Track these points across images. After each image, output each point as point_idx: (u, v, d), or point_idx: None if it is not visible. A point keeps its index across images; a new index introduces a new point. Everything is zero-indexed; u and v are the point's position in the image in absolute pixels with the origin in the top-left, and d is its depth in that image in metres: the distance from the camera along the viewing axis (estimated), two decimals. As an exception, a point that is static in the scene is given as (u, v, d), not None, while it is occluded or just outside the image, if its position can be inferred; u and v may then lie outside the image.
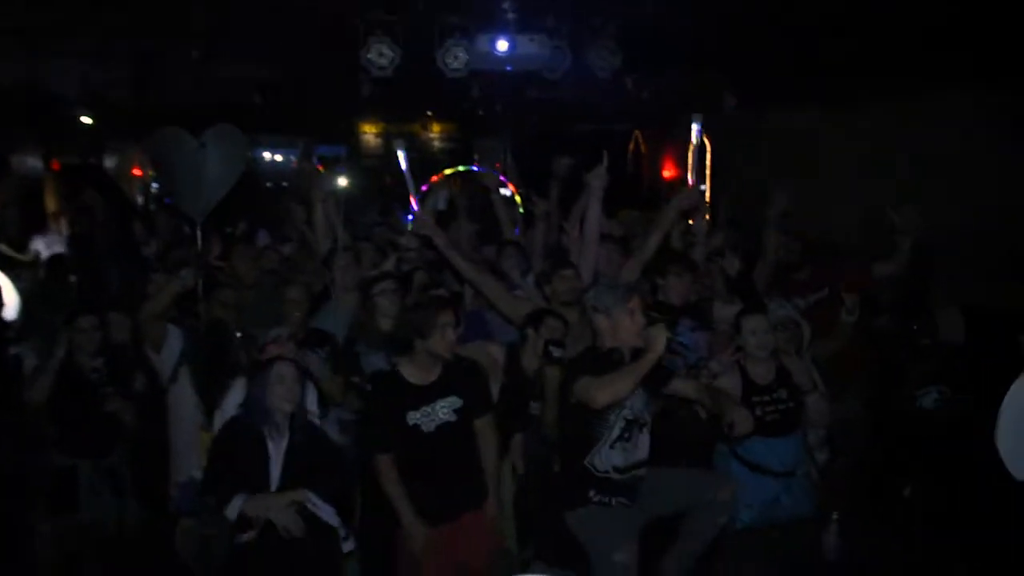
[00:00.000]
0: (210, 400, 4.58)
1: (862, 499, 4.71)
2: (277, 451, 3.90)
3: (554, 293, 4.91)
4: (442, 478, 4.04)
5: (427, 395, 4.03)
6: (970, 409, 4.61)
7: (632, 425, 3.93)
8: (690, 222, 6.02)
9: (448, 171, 6.55)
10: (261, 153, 14.03)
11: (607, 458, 3.92)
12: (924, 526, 4.49)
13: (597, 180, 5.04)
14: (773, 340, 4.49)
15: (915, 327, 4.85)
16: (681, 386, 4.10)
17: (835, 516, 4.31)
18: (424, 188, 6.39)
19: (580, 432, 3.94)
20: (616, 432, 3.90)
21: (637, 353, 3.81)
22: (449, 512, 4.04)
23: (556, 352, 4.35)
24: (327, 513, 3.92)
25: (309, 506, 3.84)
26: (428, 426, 3.99)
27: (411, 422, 3.97)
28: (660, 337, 3.70)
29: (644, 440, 3.99)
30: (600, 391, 3.70)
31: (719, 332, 4.99)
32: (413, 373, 4.06)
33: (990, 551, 4.28)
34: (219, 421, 4.19)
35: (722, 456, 4.53)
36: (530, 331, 4.47)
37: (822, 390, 4.72)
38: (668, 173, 11.84)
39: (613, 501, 3.93)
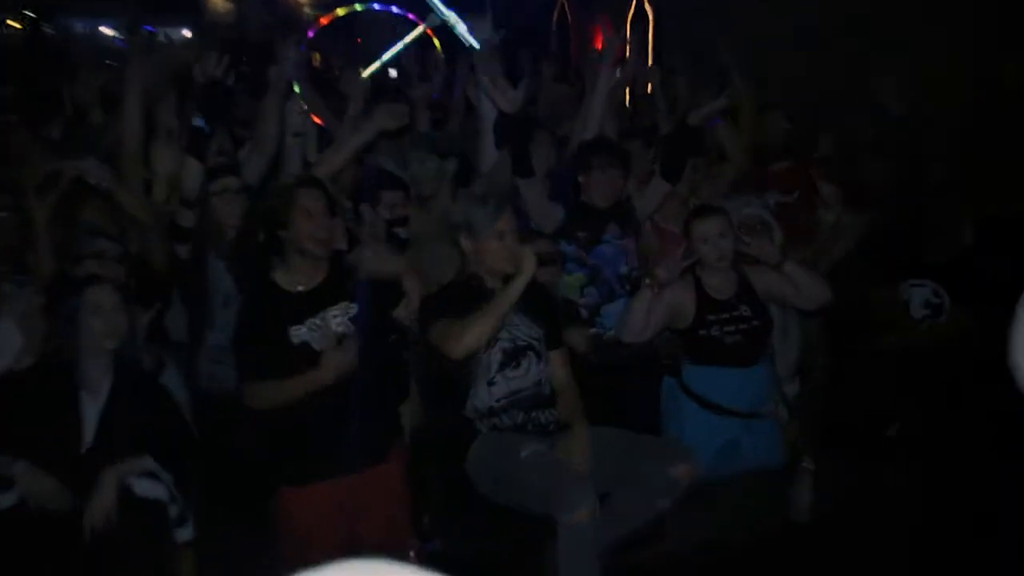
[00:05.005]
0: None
1: (839, 442, 4.00)
2: (93, 404, 3.14)
3: None
4: (342, 412, 3.22)
5: (312, 302, 3.24)
6: (971, 326, 3.95)
7: (516, 353, 3.40)
8: None
9: (341, 10, 5.36)
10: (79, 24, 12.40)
11: (486, 397, 3.38)
12: (915, 476, 3.79)
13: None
14: (731, 246, 3.77)
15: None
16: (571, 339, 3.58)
17: (807, 465, 3.67)
18: (311, 33, 5.29)
19: (447, 376, 3.39)
20: (495, 367, 3.37)
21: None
22: (348, 462, 3.21)
23: (402, 234, 3.72)
24: (152, 487, 3.11)
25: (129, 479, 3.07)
26: (319, 342, 3.20)
27: (296, 339, 3.18)
28: (529, 257, 3.25)
29: (539, 368, 3.45)
30: (455, 341, 3.23)
31: (652, 229, 4.31)
32: (289, 278, 3.26)
33: (998, 507, 3.54)
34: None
35: (669, 392, 3.91)
36: (364, 208, 3.61)
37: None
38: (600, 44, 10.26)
39: (505, 419, 3.39)
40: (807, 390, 4.23)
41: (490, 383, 3.37)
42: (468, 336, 3.19)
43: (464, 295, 3.38)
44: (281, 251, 3.27)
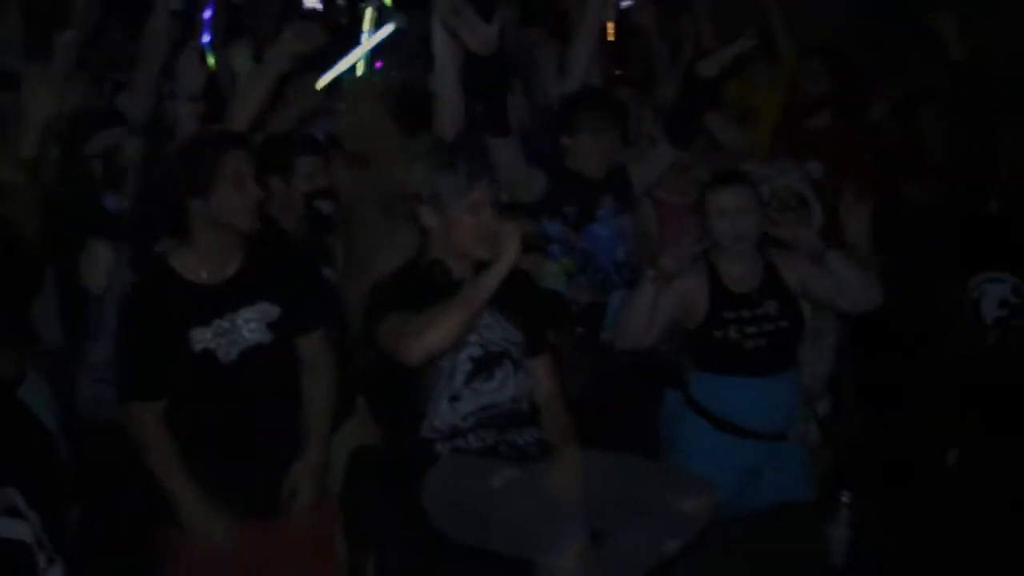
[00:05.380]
0: None
1: (883, 472, 3.37)
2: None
3: None
4: (250, 442, 2.64)
5: (222, 299, 2.61)
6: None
7: (488, 362, 2.79)
8: None
9: None
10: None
11: (449, 415, 2.76)
12: (976, 513, 3.12)
13: None
14: (755, 225, 3.17)
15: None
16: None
17: (844, 499, 2.98)
18: None
19: (400, 391, 2.76)
20: (460, 379, 2.76)
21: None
22: (259, 502, 2.67)
23: (326, 208, 3.21)
24: (13, 527, 2.40)
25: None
26: (227, 352, 2.58)
27: (199, 345, 2.55)
28: (512, 238, 2.61)
29: (516, 380, 2.83)
30: (411, 341, 2.57)
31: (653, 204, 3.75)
32: (191, 266, 2.61)
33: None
34: None
35: (672, 408, 3.34)
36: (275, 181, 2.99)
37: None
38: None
39: (472, 439, 2.79)
40: (843, 408, 3.60)
41: (454, 397, 2.76)
42: (429, 335, 2.55)
43: (424, 285, 2.72)
44: (182, 229, 2.60)
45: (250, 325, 2.62)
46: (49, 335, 3.16)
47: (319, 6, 7.53)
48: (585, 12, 3.82)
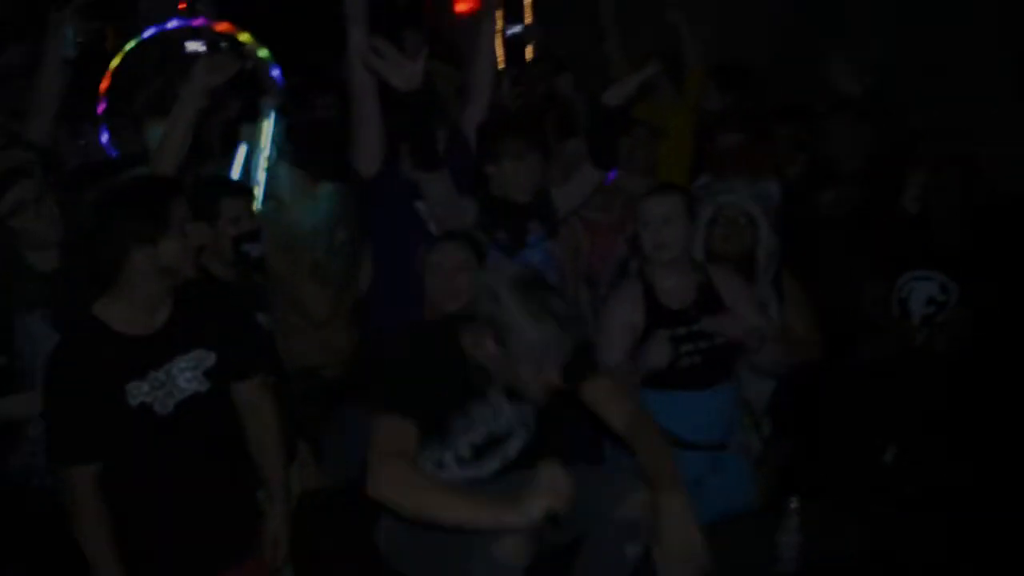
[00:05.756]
0: None
1: (826, 476, 3.35)
2: None
3: None
4: (189, 500, 2.52)
5: (155, 350, 2.48)
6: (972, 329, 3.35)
7: (490, 444, 2.64)
8: None
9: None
10: None
11: (427, 470, 2.56)
12: (917, 509, 3.22)
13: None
14: (679, 237, 3.12)
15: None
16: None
17: (793, 505, 2.98)
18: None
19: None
20: (448, 456, 2.61)
21: None
22: (211, 561, 2.57)
23: (254, 251, 3.09)
24: None
25: None
26: (164, 404, 2.46)
27: (135, 400, 2.42)
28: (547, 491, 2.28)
29: (514, 451, 2.69)
30: (383, 482, 2.33)
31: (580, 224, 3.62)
32: (123, 317, 2.47)
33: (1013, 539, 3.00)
34: None
35: None
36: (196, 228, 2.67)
37: (776, 326, 3.33)
38: (463, 6, 8.65)
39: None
40: (783, 412, 3.56)
41: (439, 463, 2.59)
42: (407, 499, 2.31)
43: (451, 372, 2.47)
44: (110, 278, 2.46)
45: (186, 374, 2.51)
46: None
47: (202, 49, 7.42)
48: (480, 39, 3.80)
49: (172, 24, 4.64)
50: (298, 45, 5.19)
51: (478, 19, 3.96)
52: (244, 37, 4.10)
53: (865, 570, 2.99)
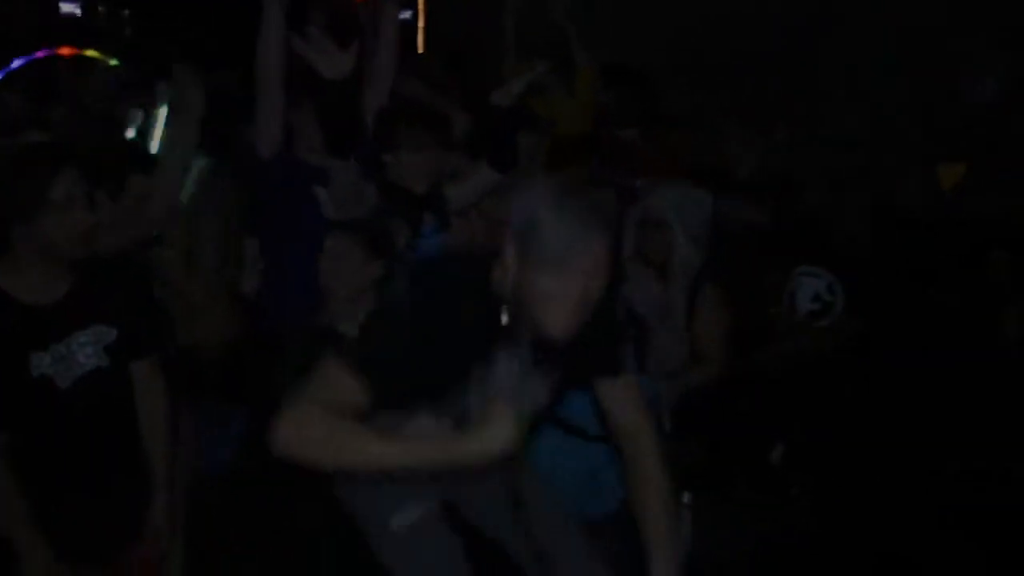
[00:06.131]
0: None
1: (717, 473, 3.42)
2: None
3: None
4: (85, 478, 2.45)
5: (56, 322, 2.39)
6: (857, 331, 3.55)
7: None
8: None
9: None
10: None
11: None
12: (803, 507, 3.41)
13: None
14: None
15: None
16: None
17: (685, 500, 3.11)
18: None
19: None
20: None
21: None
22: (103, 542, 2.50)
23: None
24: None
25: None
26: (64, 378, 2.38)
27: (36, 371, 2.34)
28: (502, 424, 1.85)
29: None
30: (290, 431, 1.86)
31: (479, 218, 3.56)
32: (21, 286, 2.36)
33: (900, 542, 3.19)
34: None
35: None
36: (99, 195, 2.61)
37: (680, 325, 3.43)
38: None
39: None
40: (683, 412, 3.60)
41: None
42: (315, 448, 1.88)
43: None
44: (6, 248, 2.34)
45: (86, 350, 2.42)
46: None
47: (77, 12, 7.21)
48: (383, 25, 3.73)
49: None
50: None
51: (380, 2, 3.89)
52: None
53: (752, 562, 3.06)
